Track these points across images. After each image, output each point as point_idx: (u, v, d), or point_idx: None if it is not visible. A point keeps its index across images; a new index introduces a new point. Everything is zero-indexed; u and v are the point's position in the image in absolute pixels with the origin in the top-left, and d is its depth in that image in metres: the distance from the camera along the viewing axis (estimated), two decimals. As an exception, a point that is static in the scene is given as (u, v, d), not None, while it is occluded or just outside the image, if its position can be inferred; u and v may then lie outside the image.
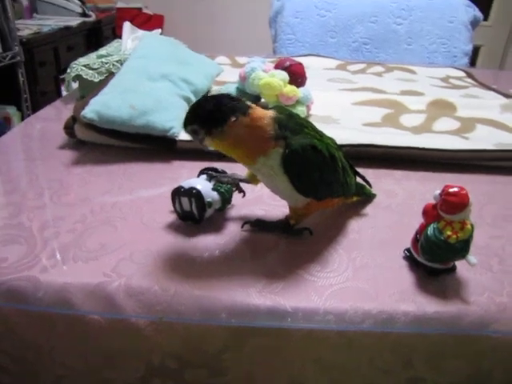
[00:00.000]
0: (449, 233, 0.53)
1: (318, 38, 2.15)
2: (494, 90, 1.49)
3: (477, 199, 0.80)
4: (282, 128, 0.57)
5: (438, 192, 0.56)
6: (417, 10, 2.18)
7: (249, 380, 0.56)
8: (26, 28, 2.27)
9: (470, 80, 1.65)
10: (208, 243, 0.64)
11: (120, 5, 3.18)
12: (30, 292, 0.55)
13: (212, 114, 0.56)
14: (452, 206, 0.53)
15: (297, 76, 1.03)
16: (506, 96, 1.36)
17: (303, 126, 0.60)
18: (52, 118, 1.16)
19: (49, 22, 2.47)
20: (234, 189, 0.70)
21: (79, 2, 2.78)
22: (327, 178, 0.61)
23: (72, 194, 0.77)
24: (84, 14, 2.79)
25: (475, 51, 2.93)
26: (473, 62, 2.78)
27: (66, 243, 0.63)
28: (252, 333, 0.53)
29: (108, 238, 0.64)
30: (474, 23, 2.25)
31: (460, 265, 0.59)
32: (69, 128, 0.95)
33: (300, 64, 1.07)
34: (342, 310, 0.53)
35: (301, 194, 0.60)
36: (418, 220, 0.59)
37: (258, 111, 0.57)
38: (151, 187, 0.81)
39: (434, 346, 0.53)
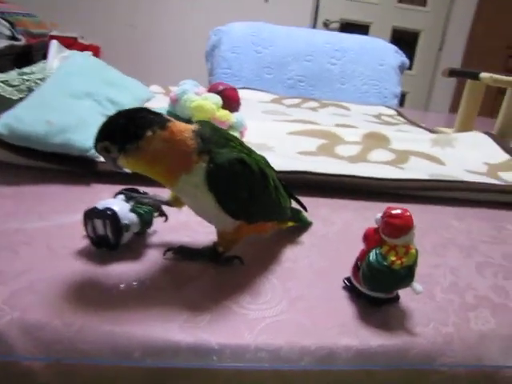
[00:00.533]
0: (393, 258, 0.49)
1: (254, 73, 2.16)
2: (422, 127, 1.53)
3: (416, 228, 0.78)
4: (205, 142, 0.51)
5: (379, 215, 0.52)
6: (350, 52, 2.25)
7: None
8: None
9: (400, 118, 1.70)
10: (124, 271, 0.55)
11: (55, 33, 3.07)
12: None
13: (126, 128, 0.50)
14: (395, 228, 0.49)
15: (231, 101, 0.99)
16: (434, 133, 1.39)
17: (229, 140, 0.55)
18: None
19: (-29, 43, 2.32)
20: (156, 214, 0.63)
21: (8, 25, 2.65)
22: (258, 196, 0.56)
23: (-31, 216, 0.67)
24: (13, 38, 2.65)
25: (401, 97, 3.09)
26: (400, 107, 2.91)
27: (-49, 271, 0.53)
28: (171, 375, 0.45)
29: (6, 265, 0.55)
30: (402, 68, 2.36)
31: (403, 294, 0.54)
32: (-26, 145, 0.84)
33: (234, 89, 1.03)
34: (276, 346, 0.47)
35: (229, 214, 0.54)
36: (356, 249, 0.55)
37: (177, 124, 0.52)
38: (65, 211, 0.71)
39: (379, 384, 0.48)
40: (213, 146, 0.52)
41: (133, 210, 0.59)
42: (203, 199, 0.53)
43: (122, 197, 0.62)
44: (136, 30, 3.30)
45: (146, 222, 0.61)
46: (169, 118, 0.52)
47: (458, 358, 0.49)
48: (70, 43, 3.11)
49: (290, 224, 0.68)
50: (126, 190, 0.64)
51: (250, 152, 0.57)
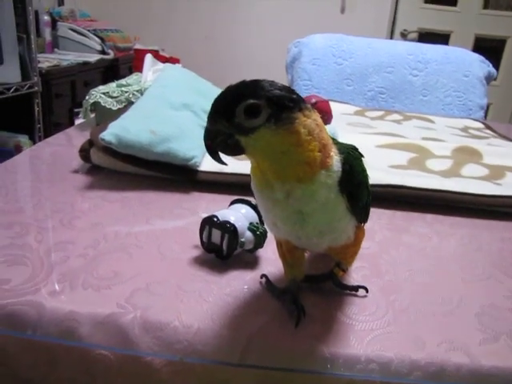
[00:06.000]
0: None
1: (335, 85, 2.15)
2: (515, 141, 1.45)
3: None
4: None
5: None
6: (432, 63, 2.19)
7: None
8: (46, 61, 2.28)
9: (489, 131, 1.63)
10: (235, 279, 0.58)
11: (138, 46, 3.23)
12: (32, 319, 0.49)
13: (286, 93, 0.41)
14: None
15: (323, 113, 0.99)
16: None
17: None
18: (64, 143, 1.12)
19: (68, 57, 2.50)
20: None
21: (99, 40, 2.83)
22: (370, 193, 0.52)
23: (84, 218, 0.72)
24: (103, 52, 2.83)
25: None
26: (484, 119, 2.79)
27: (75, 268, 0.57)
28: (284, 379, 0.46)
29: (122, 266, 0.59)
30: (488, 78, 2.26)
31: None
32: (84, 151, 0.91)
33: (326, 101, 1.04)
34: (387, 358, 0.47)
35: (356, 217, 0.49)
36: (455, 264, 0.54)
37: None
38: (168, 217, 0.75)
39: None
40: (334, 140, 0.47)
41: (250, 229, 0.60)
42: (333, 205, 0.45)
43: (240, 209, 0.62)
44: (213, 42, 3.39)
45: (259, 243, 0.61)
46: None
47: None
48: (152, 55, 3.26)
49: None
50: (239, 200, 0.64)
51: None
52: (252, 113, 0.40)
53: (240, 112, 0.40)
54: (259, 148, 0.41)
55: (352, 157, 0.47)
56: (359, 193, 0.48)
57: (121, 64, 3.01)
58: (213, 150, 0.43)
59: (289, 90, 0.42)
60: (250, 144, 0.41)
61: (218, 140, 0.42)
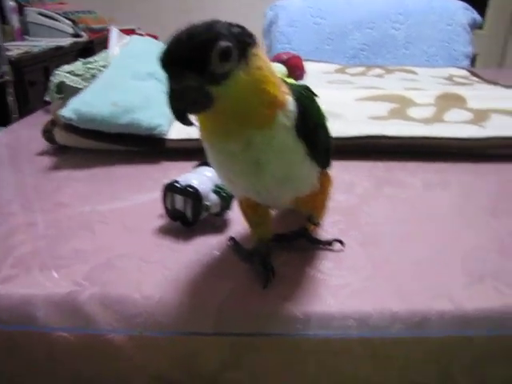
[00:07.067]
0: None
1: (314, 46, 2.09)
2: (501, 85, 1.41)
3: (502, 187, 0.72)
4: None
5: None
6: (414, 14, 2.12)
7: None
8: (17, 49, 2.21)
9: (474, 78, 1.58)
10: (202, 245, 0.54)
11: (113, 26, 3.14)
12: (-15, 307, 0.46)
13: (241, 28, 0.38)
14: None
15: (295, 69, 0.96)
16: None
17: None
18: (29, 127, 1.07)
19: (40, 43, 2.42)
20: None
21: (70, 23, 2.74)
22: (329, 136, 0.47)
23: (46, 199, 0.68)
24: (76, 35, 2.74)
25: (472, 60, 2.89)
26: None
27: (34, 251, 0.54)
28: (254, 345, 0.43)
29: (84, 243, 0.55)
30: (473, 26, 2.20)
31: (499, 254, 0.49)
32: (47, 132, 0.87)
33: (298, 57, 1.00)
34: (364, 313, 0.43)
35: (318, 163, 0.45)
36: (439, 211, 0.50)
37: None
38: (136, 190, 0.72)
39: (478, 352, 0.44)
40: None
41: (215, 191, 0.56)
42: (291, 150, 0.42)
43: (202, 170, 0.59)
44: (190, 15, 3.30)
45: (226, 204, 0.57)
46: None
47: None
48: (128, 34, 3.17)
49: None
50: (205, 162, 0.59)
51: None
52: (225, 56, 0.35)
53: (215, 58, 0.35)
54: (233, 94, 0.37)
55: (305, 97, 0.43)
56: (317, 135, 0.44)
57: (96, 46, 2.93)
58: (183, 113, 0.37)
59: (243, 27, 0.38)
60: (223, 92, 0.36)
61: (188, 99, 0.36)
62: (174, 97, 0.36)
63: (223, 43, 0.35)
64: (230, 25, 0.37)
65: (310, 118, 0.42)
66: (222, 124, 0.39)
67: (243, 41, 0.37)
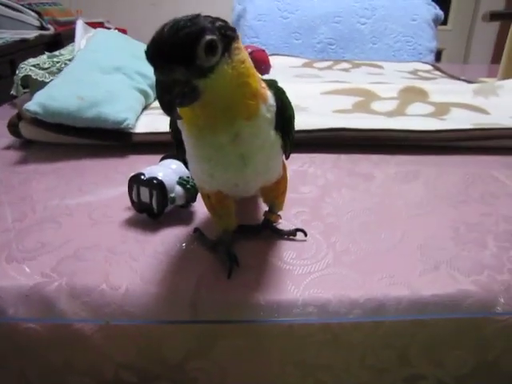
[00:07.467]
0: None
1: (283, 40, 2.10)
2: (462, 80, 1.46)
3: (461, 179, 0.75)
4: None
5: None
6: (380, 9, 2.16)
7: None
8: (-22, 42, 2.15)
9: (437, 72, 1.63)
10: (168, 236, 0.55)
11: (81, 19, 3.08)
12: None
13: (223, 21, 0.39)
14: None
15: (260, 63, 0.97)
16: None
17: None
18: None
19: (4, 35, 2.36)
20: None
21: (36, 15, 2.67)
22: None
23: (12, 193, 0.68)
24: (42, 27, 2.68)
25: (438, 55, 2.96)
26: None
27: (0, 243, 0.54)
28: (221, 333, 0.45)
29: (50, 236, 0.55)
30: (436, 21, 2.25)
31: (453, 242, 0.52)
32: (13, 126, 0.86)
33: (263, 51, 1.01)
34: (324, 300, 0.45)
35: (286, 150, 0.48)
36: (399, 201, 0.52)
37: None
38: (102, 183, 0.72)
39: (433, 335, 0.46)
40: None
41: (180, 183, 0.57)
42: (272, 142, 0.44)
43: (168, 163, 0.60)
44: (160, 9, 3.27)
45: (191, 196, 0.58)
46: None
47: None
48: (96, 28, 3.12)
49: None
50: (169, 155, 0.61)
51: None
52: (211, 50, 0.36)
53: (201, 52, 0.36)
54: (219, 87, 0.38)
55: (280, 91, 0.45)
56: (290, 127, 0.47)
57: (64, 39, 2.86)
58: (171, 106, 0.38)
59: (225, 20, 0.39)
60: (209, 86, 0.37)
61: (176, 92, 0.36)
62: (163, 89, 0.37)
63: (209, 37, 0.36)
64: (213, 18, 0.38)
65: (286, 111, 0.45)
66: (209, 117, 0.40)
67: (226, 34, 0.38)
